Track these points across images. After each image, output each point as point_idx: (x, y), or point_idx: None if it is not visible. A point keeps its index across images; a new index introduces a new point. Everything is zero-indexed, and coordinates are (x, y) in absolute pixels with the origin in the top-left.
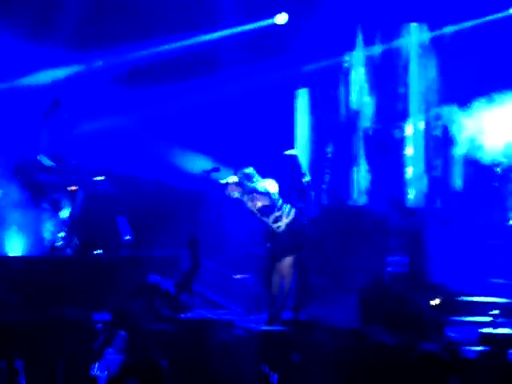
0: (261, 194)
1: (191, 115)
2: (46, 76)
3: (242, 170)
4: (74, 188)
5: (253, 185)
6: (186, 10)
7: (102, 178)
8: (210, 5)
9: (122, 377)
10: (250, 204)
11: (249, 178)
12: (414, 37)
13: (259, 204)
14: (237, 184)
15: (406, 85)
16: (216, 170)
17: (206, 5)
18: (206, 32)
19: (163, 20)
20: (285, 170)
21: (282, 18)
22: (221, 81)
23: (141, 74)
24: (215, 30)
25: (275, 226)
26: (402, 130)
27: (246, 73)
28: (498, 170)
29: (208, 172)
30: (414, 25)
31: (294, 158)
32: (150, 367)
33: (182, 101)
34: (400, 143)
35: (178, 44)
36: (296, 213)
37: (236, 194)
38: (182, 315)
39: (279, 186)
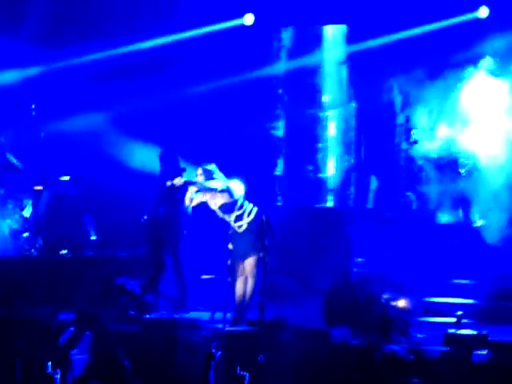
0: (221, 191)
1: (162, 115)
2: (14, 74)
3: (204, 166)
4: (39, 188)
5: (212, 182)
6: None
7: (67, 178)
8: (180, 3)
9: (85, 377)
10: (210, 202)
11: (209, 174)
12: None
13: (219, 202)
14: (196, 183)
15: None
16: (182, 170)
17: (174, 3)
18: (178, 30)
19: (133, 17)
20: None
21: (249, 19)
22: (194, 79)
23: (111, 73)
24: (188, 29)
25: (236, 225)
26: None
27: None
28: (463, 171)
29: (175, 172)
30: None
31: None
32: (114, 368)
33: (151, 99)
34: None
35: (149, 43)
36: (258, 212)
37: (196, 197)
38: (148, 316)
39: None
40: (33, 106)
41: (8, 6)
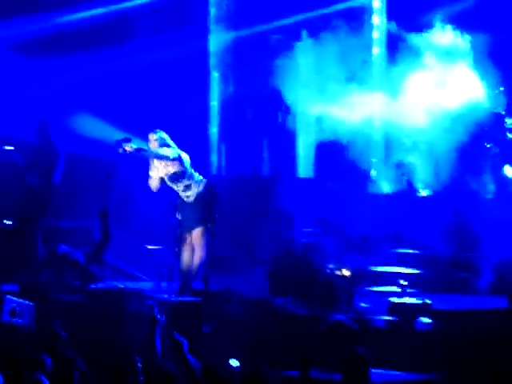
0: (172, 160)
1: (106, 85)
2: None
3: (157, 132)
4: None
5: (165, 149)
6: None
7: (12, 147)
8: None
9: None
10: (160, 169)
11: (163, 140)
12: None
13: (170, 170)
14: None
15: None
16: (127, 140)
17: None
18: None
19: None
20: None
21: None
22: (135, 50)
23: (52, 43)
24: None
25: (184, 194)
26: None
27: (160, 42)
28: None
29: (119, 142)
30: None
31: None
32: (50, 337)
33: (96, 70)
34: None
35: (89, 13)
36: (206, 183)
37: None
38: (93, 285)
39: None
40: None
41: None
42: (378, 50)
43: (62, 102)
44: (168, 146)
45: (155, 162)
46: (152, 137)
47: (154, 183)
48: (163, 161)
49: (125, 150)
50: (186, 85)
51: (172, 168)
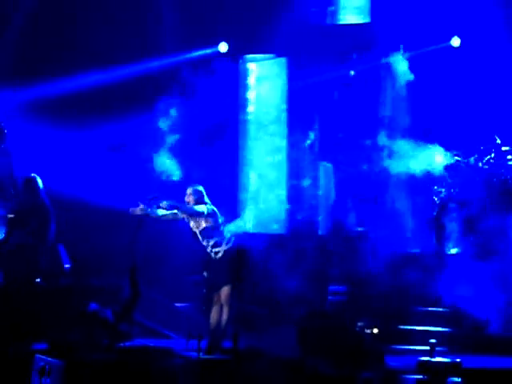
0: (207, 216)
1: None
2: None
3: (194, 187)
4: (12, 216)
5: (201, 206)
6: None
7: None
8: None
9: None
10: (192, 224)
11: (200, 195)
12: None
13: (202, 225)
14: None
15: None
16: (156, 197)
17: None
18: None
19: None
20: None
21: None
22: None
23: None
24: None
25: (214, 250)
26: None
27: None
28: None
29: (149, 199)
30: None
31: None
32: None
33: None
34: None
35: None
36: (235, 240)
37: (181, 214)
38: (122, 344)
39: None
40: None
41: None
42: None
43: (92, 157)
44: (203, 201)
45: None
46: (189, 191)
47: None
48: (197, 217)
49: (158, 207)
50: (220, 140)
51: (204, 223)
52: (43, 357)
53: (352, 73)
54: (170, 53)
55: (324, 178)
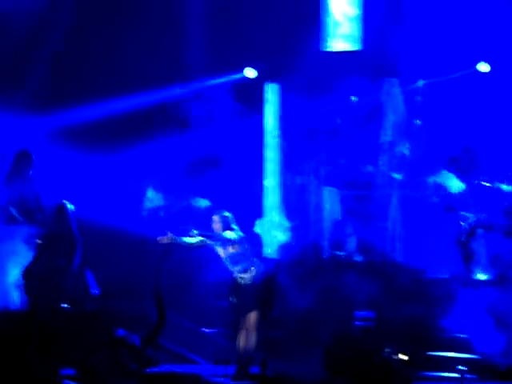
0: (235, 242)
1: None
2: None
3: (221, 213)
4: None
5: (229, 233)
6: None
7: None
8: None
9: None
10: (219, 250)
11: (227, 221)
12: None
13: (230, 251)
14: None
15: None
16: (183, 226)
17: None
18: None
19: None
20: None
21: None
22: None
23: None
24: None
25: (241, 276)
26: None
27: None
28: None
29: (177, 228)
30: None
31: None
32: None
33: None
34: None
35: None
36: (264, 267)
37: (209, 242)
38: (148, 369)
39: None
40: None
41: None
42: None
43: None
44: (230, 227)
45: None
46: (216, 218)
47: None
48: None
49: (187, 236)
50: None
51: (232, 249)
52: (71, 382)
53: (354, 98)
54: (197, 78)
55: (329, 202)
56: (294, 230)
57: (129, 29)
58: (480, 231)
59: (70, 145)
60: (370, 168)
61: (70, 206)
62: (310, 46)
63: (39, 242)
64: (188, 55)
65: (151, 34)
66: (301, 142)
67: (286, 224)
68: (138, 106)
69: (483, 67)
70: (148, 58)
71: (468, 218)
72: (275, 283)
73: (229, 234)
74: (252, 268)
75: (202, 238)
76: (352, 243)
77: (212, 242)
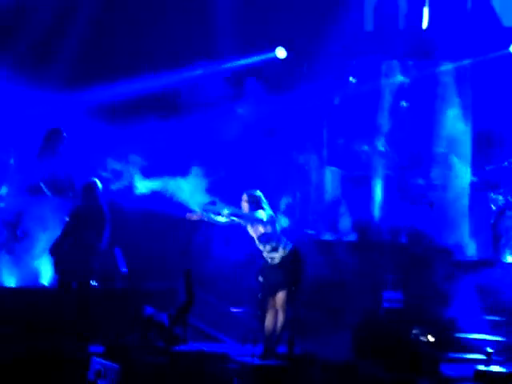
0: (264, 221)
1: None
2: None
3: (251, 192)
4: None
5: (260, 212)
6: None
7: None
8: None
9: None
10: (250, 229)
11: (256, 200)
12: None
13: (260, 230)
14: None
15: None
16: (212, 203)
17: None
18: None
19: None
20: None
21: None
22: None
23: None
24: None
25: (270, 256)
26: None
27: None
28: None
29: (207, 205)
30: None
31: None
32: None
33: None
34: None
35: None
36: (292, 246)
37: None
38: (176, 348)
39: None
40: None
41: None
42: None
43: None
44: (261, 206)
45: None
46: (245, 197)
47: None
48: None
49: (218, 214)
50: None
51: (262, 229)
52: (99, 359)
53: (352, 80)
54: (227, 58)
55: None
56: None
57: (156, 10)
58: (510, 213)
59: (102, 122)
60: (367, 148)
61: (99, 184)
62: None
63: (67, 219)
64: (217, 36)
65: (178, 14)
66: (305, 121)
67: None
68: (165, 86)
69: None
70: (175, 38)
71: (498, 200)
72: (303, 263)
73: (260, 214)
74: (281, 247)
75: (232, 218)
76: (345, 222)
77: (242, 221)
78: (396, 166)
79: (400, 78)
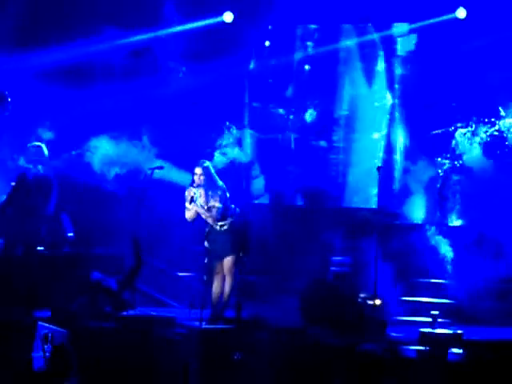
0: (224, 189)
1: (136, 111)
2: None
3: (203, 164)
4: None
5: (216, 203)
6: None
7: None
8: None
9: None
10: (201, 200)
11: (208, 171)
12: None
13: (211, 202)
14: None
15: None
16: (160, 168)
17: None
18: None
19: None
20: None
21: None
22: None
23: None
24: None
25: (220, 223)
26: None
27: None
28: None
29: (152, 169)
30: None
31: None
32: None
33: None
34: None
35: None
36: (239, 212)
37: (195, 191)
38: (125, 313)
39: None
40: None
41: None
42: None
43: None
44: (213, 177)
45: (201, 193)
46: (198, 170)
47: (190, 214)
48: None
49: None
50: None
51: (218, 202)
52: (46, 324)
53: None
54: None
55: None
56: None
57: None
58: (456, 178)
59: (48, 85)
60: (282, 111)
61: (45, 149)
62: None
63: (12, 183)
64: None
65: None
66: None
67: None
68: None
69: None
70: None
71: (444, 165)
72: (250, 229)
73: (217, 205)
74: (229, 215)
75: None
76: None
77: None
78: (301, 129)
79: (309, 44)
